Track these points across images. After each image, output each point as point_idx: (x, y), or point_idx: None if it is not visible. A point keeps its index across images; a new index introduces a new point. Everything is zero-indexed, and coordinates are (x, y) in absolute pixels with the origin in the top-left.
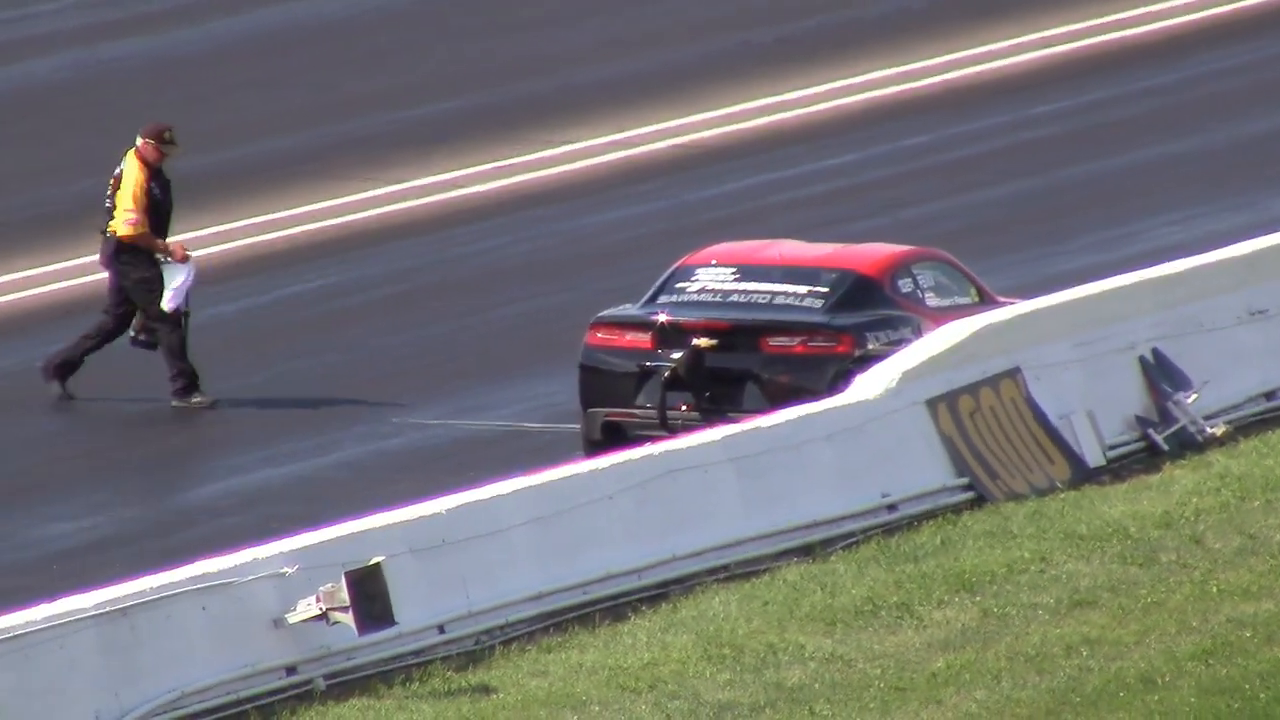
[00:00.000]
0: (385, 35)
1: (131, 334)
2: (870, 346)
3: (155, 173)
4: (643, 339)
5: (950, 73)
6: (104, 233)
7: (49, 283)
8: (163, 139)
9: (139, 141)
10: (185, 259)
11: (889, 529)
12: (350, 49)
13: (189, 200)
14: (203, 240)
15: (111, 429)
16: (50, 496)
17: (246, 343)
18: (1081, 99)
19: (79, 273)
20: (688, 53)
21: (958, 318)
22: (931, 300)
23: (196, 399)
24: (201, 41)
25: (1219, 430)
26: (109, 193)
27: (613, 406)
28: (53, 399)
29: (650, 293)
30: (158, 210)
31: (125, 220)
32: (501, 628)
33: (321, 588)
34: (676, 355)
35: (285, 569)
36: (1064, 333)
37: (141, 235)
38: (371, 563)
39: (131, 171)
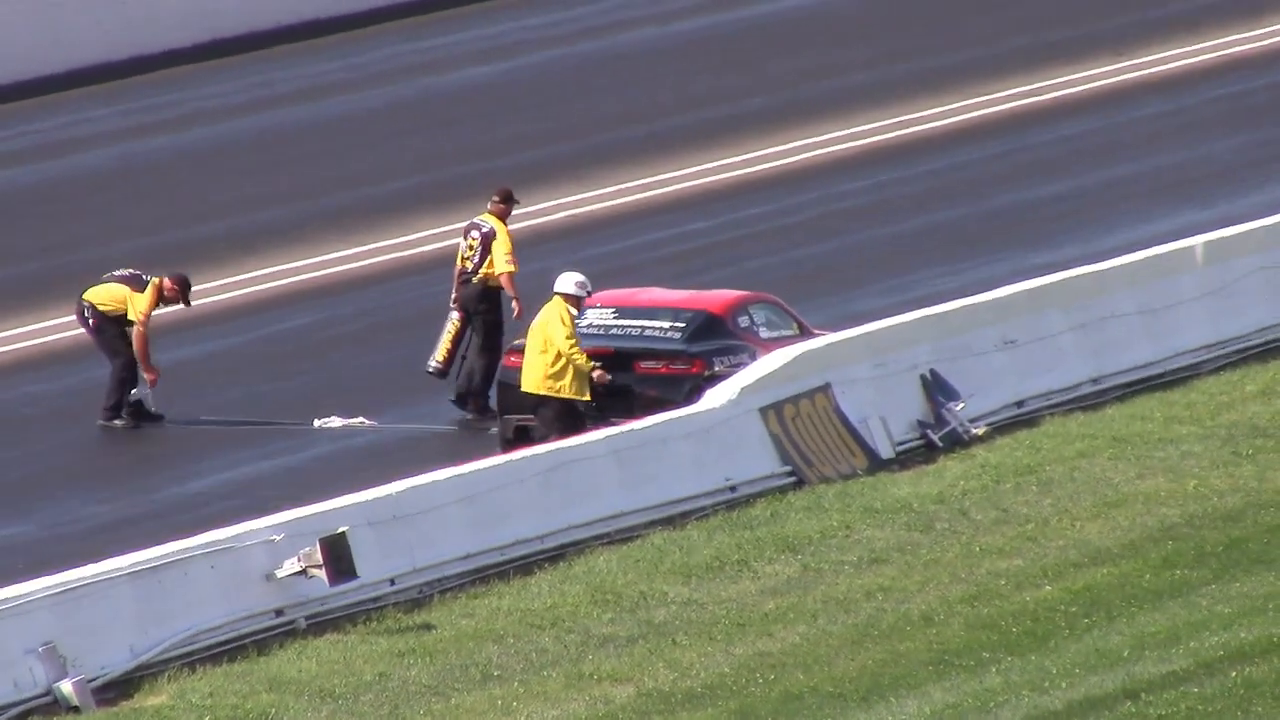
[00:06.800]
0: (374, 130)
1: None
2: (717, 368)
3: None
4: None
5: (776, 161)
6: (467, 279)
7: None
8: (513, 200)
9: (492, 204)
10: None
11: (731, 505)
12: (337, 142)
13: (208, 257)
14: (215, 289)
15: (139, 433)
16: (94, 484)
17: (246, 365)
18: (876, 179)
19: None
20: (580, 145)
21: (783, 346)
22: (763, 333)
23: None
24: (215, 139)
25: (980, 431)
26: (468, 246)
27: (522, 414)
28: (97, 410)
29: None
30: None
31: (508, 261)
32: (439, 581)
33: (301, 550)
34: None
35: (274, 537)
36: (863, 357)
37: (514, 276)
38: (339, 531)
39: (500, 226)
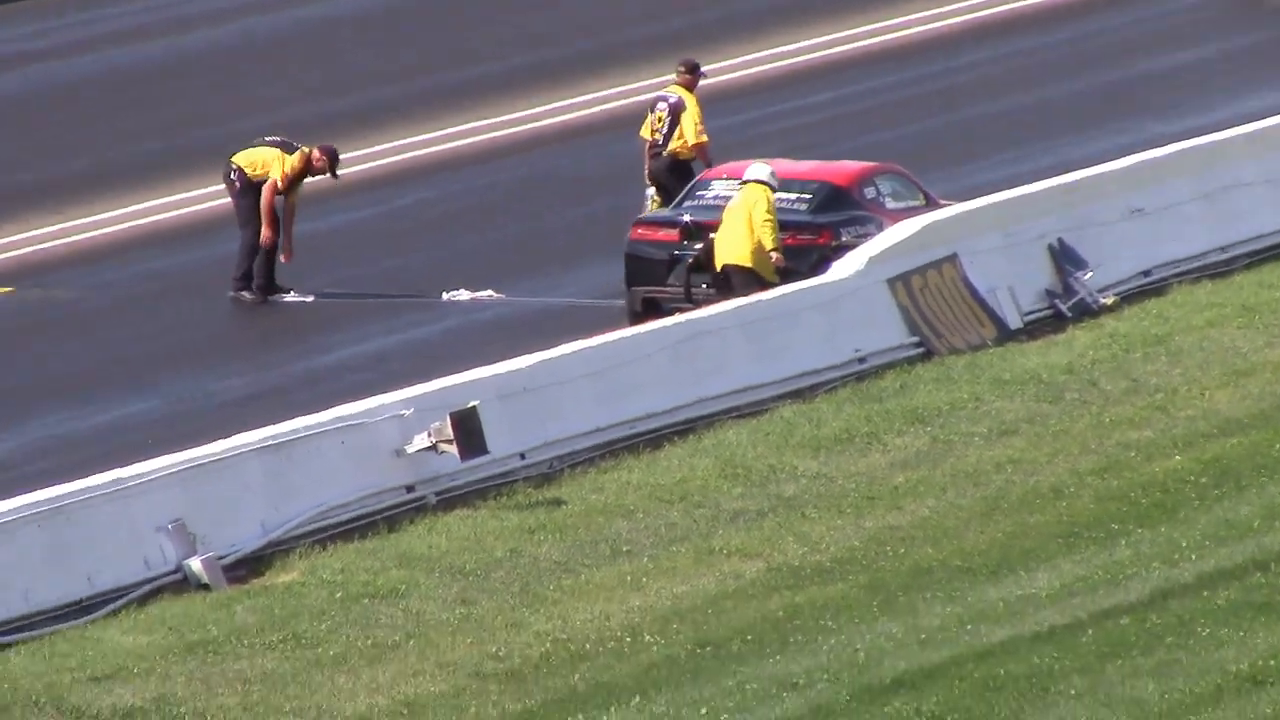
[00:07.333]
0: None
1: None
2: (843, 239)
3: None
4: (672, 234)
5: (900, 32)
6: (657, 152)
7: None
8: (699, 70)
9: (679, 74)
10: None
11: (860, 377)
12: (442, 24)
13: (332, 133)
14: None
15: (267, 307)
16: (222, 359)
17: (370, 240)
18: (995, 52)
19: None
20: (703, 16)
21: (910, 216)
22: (889, 203)
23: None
24: (341, 12)
25: (1109, 300)
26: (656, 119)
27: (650, 286)
28: (225, 284)
29: (677, 199)
30: None
31: (699, 132)
32: (568, 455)
33: (432, 425)
34: (698, 246)
35: (404, 411)
36: (991, 227)
37: (707, 146)
38: (470, 405)
39: (690, 98)
